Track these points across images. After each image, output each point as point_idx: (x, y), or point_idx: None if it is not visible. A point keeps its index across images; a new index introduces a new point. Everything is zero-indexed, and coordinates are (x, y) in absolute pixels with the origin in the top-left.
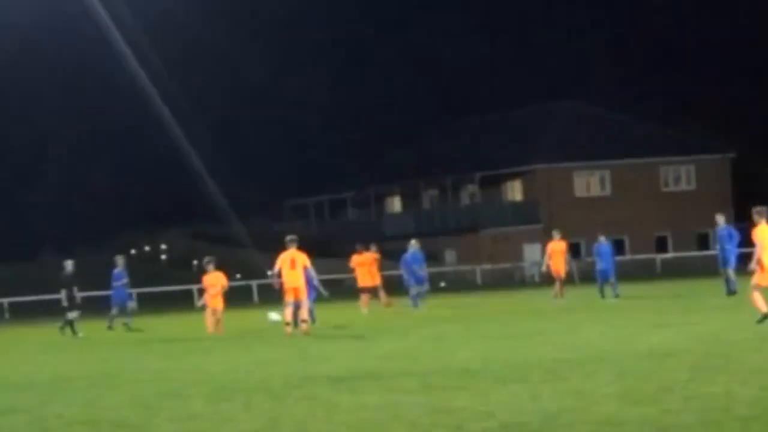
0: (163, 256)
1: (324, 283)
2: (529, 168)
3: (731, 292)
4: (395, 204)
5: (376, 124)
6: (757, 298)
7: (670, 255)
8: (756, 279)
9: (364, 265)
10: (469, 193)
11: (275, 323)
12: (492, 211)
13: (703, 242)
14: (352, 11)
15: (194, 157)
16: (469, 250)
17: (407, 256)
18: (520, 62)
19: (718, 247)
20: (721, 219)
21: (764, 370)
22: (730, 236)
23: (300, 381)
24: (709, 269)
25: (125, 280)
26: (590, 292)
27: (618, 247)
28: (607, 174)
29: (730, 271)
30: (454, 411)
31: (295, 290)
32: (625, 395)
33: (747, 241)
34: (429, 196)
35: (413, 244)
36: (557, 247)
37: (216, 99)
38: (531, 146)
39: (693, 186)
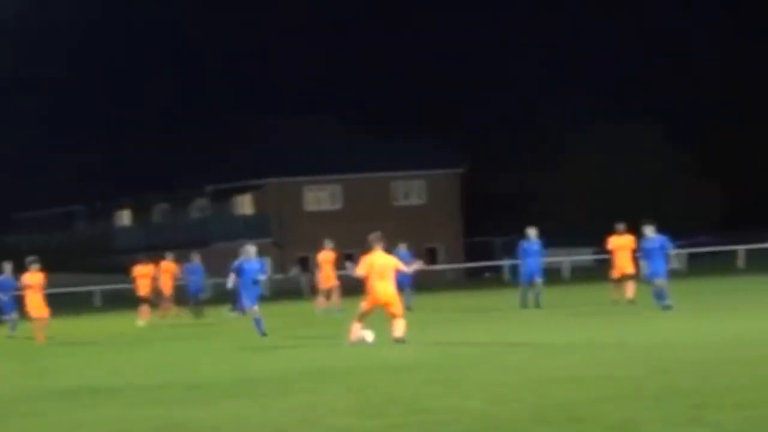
0: None
1: (55, 296)
2: (259, 182)
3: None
4: (125, 217)
5: (103, 137)
6: (355, 329)
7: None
8: (363, 304)
9: (147, 276)
10: (200, 206)
11: (368, 345)
12: (223, 224)
13: (432, 256)
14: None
15: None
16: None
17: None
18: (254, 74)
19: (645, 259)
20: (650, 230)
21: (490, 383)
22: (662, 248)
23: (26, 396)
24: (439, 283)
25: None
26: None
27: (350, 260)
28: (338, 188)
29: (664, 281)
30: (182, 425)
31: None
32: (353, 409)
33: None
34: (160, 209)
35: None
36: (328, 257)
37: None
38: (262, 160)
39: (424, 200)
